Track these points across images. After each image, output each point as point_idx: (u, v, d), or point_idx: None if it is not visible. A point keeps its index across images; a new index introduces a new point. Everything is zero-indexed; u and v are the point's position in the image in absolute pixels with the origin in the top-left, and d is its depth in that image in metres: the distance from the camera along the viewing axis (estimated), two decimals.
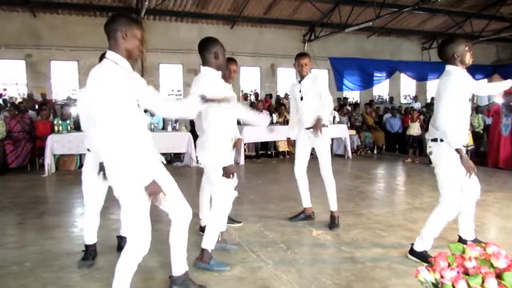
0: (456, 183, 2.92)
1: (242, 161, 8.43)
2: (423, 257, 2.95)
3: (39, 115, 8.46)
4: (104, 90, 1.95)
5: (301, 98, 3.99)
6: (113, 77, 1.99)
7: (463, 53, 2.95)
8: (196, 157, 6.05)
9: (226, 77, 3.48)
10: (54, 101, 11.10)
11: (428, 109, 11.86)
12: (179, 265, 2.48)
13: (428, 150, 3.10)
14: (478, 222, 3.35)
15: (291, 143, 4.24)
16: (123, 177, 2.05)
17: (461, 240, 3.20)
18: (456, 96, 2.86)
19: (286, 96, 12.00)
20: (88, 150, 3.05)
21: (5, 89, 11.35)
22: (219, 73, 2.94)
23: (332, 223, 3.97)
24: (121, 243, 3.28)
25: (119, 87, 1.99)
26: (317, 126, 3.69)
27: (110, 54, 2.11)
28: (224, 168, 2.82)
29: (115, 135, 1.98)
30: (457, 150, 2.79)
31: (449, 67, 3.00)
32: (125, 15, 2.15)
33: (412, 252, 3.11)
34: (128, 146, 2.01)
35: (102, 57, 2.91)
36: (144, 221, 2.12)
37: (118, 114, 1.98)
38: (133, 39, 2.12)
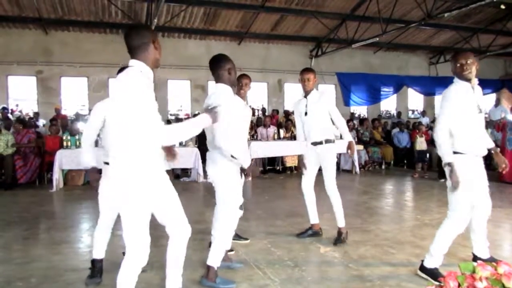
0: (465, 197, 2.89)
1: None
2: (433, 274, 2.89)
3: (49, 130, 8.58)
4: (138, 98, 1.97)
5: (305, 113, 3.99)
6: (142, 85, 2.01)
7: (457, 68, 3.02)
8: (205, 172, 6.00)
9: (239, 92, 3.51)
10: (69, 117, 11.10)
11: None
12: (174, 283, 2.41)
13: (443, 164, 3.08)
14: (489, 239, 3.27)
15: (301, 159, 4.13)
16: (128, 187, 2.05)
17: (475, 259, 3.12)
18: (456, 108, 2.91)
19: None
20: (106, 163, 3.04)
21: (17, 105, 11.52)
22: (231, 89, 2.98)
23: (337, 239, 3.93)
24: None
25: (147, 95, 2.01)
26: (351, 148, 3.95)
27: (134, 62, 2.11)
28: (245, 170, 2.90)
29: (138, 147, 2.02)
30: (449, 164, 2.86)
31: (454, 80, 3.08)
32: (145, 26, 2.17)
33: (422, 269, 3.05)
34: (144, 159, 2.05)
35: (120, 72, 2.94)
36: (143, 233, 2.11)
37: (148, 123, 2.01)
38: (160, 48, 2.19)
